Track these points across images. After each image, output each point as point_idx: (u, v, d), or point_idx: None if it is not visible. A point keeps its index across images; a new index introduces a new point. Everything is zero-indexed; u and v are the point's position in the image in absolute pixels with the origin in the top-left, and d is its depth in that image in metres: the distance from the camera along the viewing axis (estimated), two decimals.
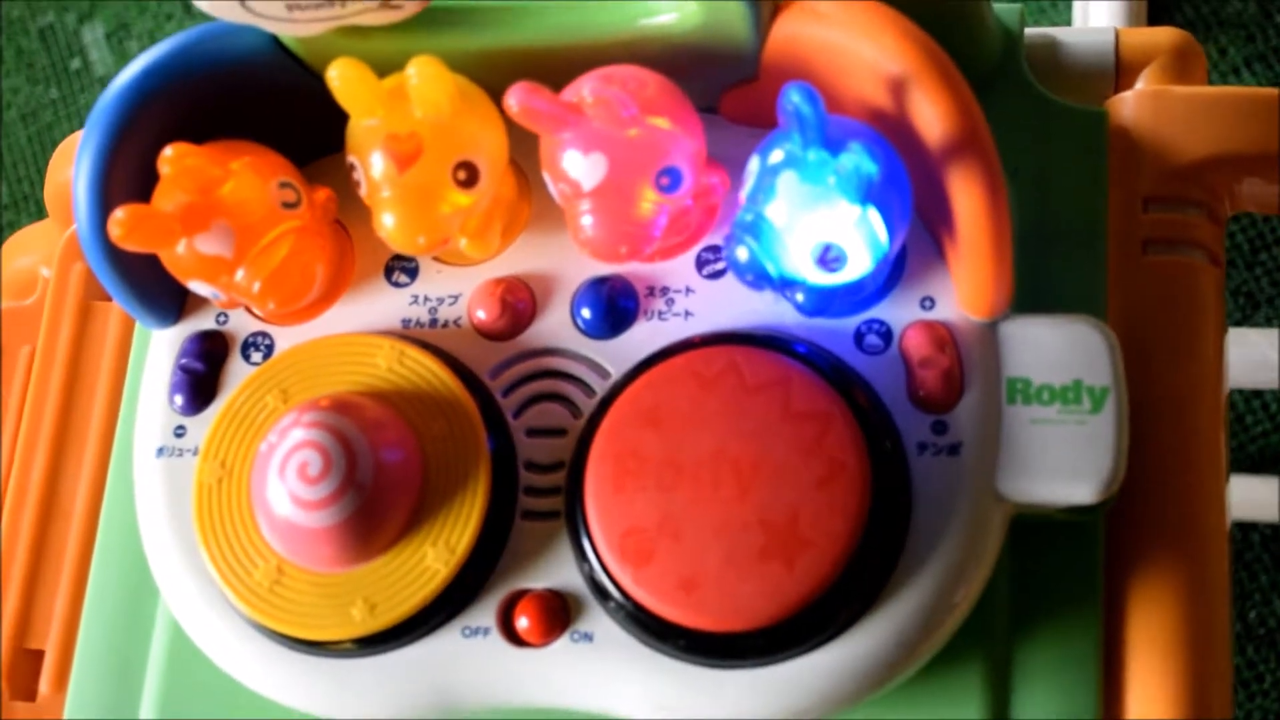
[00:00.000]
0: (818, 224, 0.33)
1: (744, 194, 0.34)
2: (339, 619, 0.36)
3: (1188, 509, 0.38)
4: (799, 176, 0.33)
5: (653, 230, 0.35)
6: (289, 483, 0.35)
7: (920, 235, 0.37)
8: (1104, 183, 0.41)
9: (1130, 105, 0.42)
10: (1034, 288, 0.38)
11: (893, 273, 0.37)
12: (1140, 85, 0.43)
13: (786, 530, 0.34)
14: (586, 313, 0.38)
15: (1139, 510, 0.38)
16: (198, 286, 0.37)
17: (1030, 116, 0.42)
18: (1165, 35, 0.43)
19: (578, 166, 0.35)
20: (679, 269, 0.38)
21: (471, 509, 0.36)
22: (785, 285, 0.35)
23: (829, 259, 0.33)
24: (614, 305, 0.38)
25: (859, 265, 0.34)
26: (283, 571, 0.36)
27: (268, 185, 0.37)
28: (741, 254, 0.34)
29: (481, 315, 0.38)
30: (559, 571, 0.36)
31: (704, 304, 0.38)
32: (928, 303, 0.37)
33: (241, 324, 0.40)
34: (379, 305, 0.39)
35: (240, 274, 0.36)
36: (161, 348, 0.40)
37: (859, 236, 0.33)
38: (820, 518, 0.34)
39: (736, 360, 0.36)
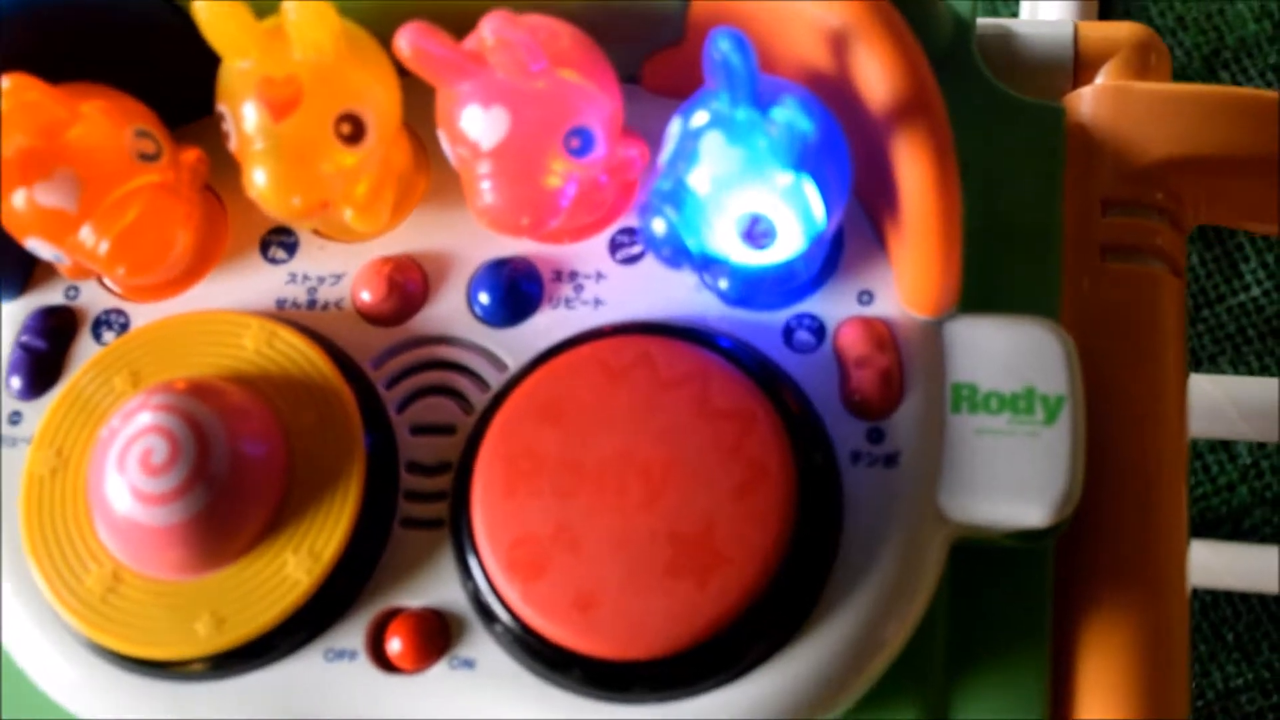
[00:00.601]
0: (745, 192, 0.29)
1: (663, 159, 0.30)
2: (181, 634, 0.31)
3: (1146, 537, 0.34)
4: (725, 138, 0.29)
5: (559, 199, 0.31)
6: (129, 473, 0.30)
7: (859, 223, 0.33)
8: (1059, 182, 0.37)
9: (1089, 101, 0.38)
10: (982, 292, 0.34)
11: (827, 262, 0.33)
12: (1100, 81, 0.39)
13: (699, 544, 0.30)
14: (484, 297, 0.34)
15: (1092, 538, 0.34)
16: (37, 246, 0.32)
17: (981, 109, 0.38)
18: (1127, 30, 0.40)
19: (476, 123, 0.30)
20: (590, 252, 0.34)
21: (341, 512, 0.31)
22: (707, 264, 0.31)
23: (757, 233, 0.29)
24: (515, 290, 0.34)
25: (790, 243, 0.30)
26: (119, 578, 0.31)
27: (122, 132, 0.32)
28: (658, 226, 0.30)
29: (366, 296, 0.34)
30: (440, 588, 0.32)
31: (616, 291, 0.34)
32: (865, 297, 0.33)
33: (94, 299, 0.35)
34: (252, 283, 0.35)
35: (85, 231, 0.32)
36: (1, 324, 0.35)
37: (791, 208, 0.29)
38: (738, 531, 0.30)
39: (650, 351, 0.32)
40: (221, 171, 0.34)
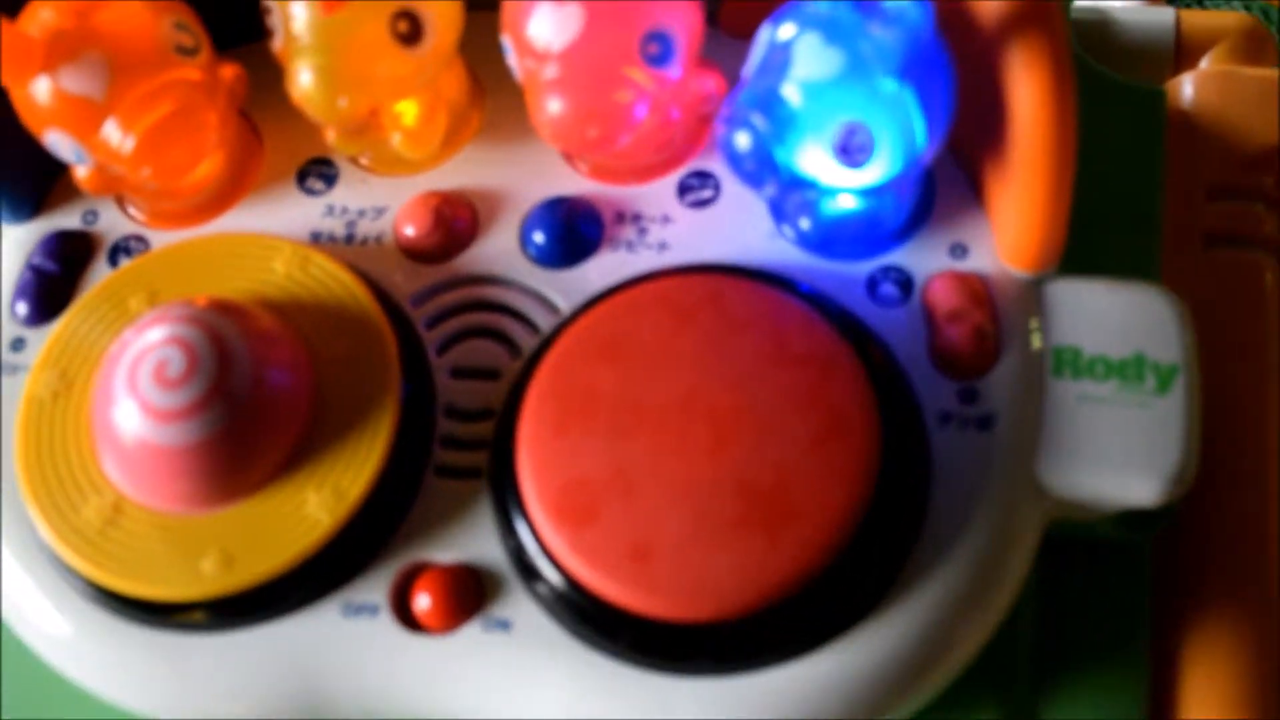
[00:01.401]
0: (843, 100, 0.26)
1: (748, 70, 0.28)
2: (184, 573, 0.27)
3: (1252, 535, 0.31)
4: (823, 39, 0.26)
5: (632, 113, 0.28)
6: (140, 387, 0.27)
7: (953, 175, 0.30)
8: (1160, 166, 0.35)
9: (1193, 86, 0.36)
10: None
11: (915, 215, 0.30)
12: (1205, 66, 0.37)
13: (771, 496, 0.26)
14: (539, 237, 0.31)
15: (1194, 535, 0.31)
16: (57, 141, 0.29)
17: (1078, 88, 0.35)
18: (1233, 19, 0.38)
19: (546, 23, 0.28)
20: (657, 194, 0.31)
21: (371, 452, 0.28)
22: (792, 186, 0.28)
23: (853, 146, 0.27)
24: (572, 230, 0.31)
25: (886, 163, 0.27)
26: (120, 510, 0.28)
27: (160, 21, 0.29)
28: (742, 140, 0.27)
29: (410, 231, 0.31)
30: (475, 542, 0.28)
31: (684, 236, 0.31)
32: (959, 250, 0.30)
33: (113, 225, 0.32)
34: (285, 213, 0.32)
35: (111, 125, 0.29)
36: (12, 246, 0.33)
37: (892, 121, 0.26)
38: (814, 484, 0.27)
39: (722, 291, 0.29)
40: (260, 104, 0.32)
